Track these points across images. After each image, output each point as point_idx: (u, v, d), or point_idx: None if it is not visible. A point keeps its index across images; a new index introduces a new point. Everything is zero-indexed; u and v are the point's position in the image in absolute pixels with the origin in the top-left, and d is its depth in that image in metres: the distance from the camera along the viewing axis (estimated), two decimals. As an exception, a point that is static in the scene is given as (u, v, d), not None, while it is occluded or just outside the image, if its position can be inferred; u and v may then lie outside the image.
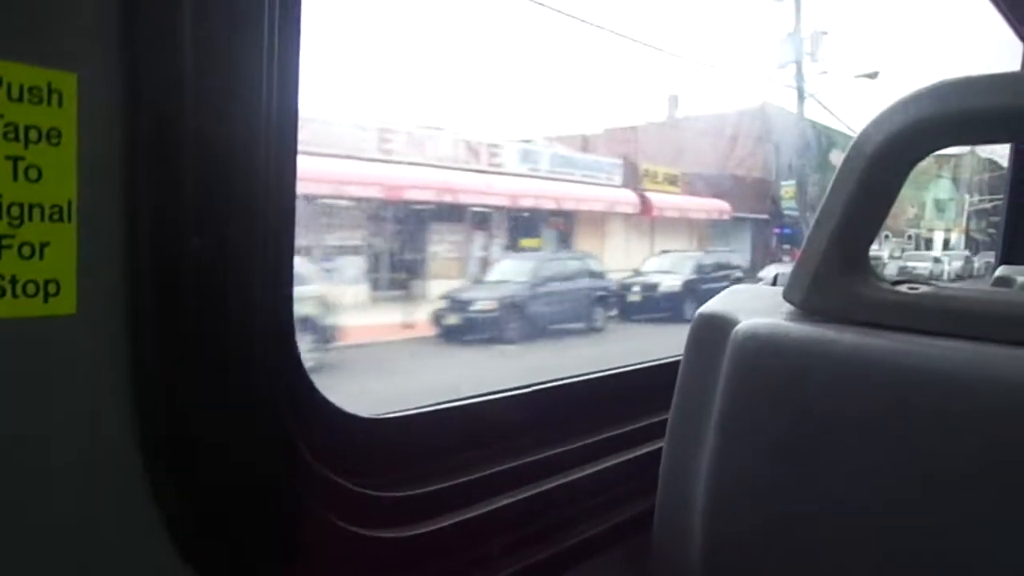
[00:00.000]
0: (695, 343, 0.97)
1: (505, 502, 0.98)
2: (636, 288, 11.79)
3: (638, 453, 1.16)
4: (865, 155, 0.85)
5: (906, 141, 0.83)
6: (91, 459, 0.64)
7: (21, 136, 0.58)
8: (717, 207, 17.50)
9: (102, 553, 0.65)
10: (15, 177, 0.58)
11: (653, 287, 11.79)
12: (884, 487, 0.81)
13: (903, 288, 0.86)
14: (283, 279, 0.76)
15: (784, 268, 0.97)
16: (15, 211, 0.58)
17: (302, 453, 0.79)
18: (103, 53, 0.61)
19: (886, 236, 27.63)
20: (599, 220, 14.56)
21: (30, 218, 0.58)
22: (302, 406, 0.81)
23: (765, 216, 18.95)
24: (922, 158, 0.85)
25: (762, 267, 15.31)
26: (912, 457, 0.79)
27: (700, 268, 12.77)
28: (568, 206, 13.56)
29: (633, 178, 15.57)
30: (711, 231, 17.96)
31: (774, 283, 1.04)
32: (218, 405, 0.70)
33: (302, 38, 0.76)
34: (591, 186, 14.50)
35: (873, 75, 18.15)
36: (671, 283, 11.84)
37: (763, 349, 0.88)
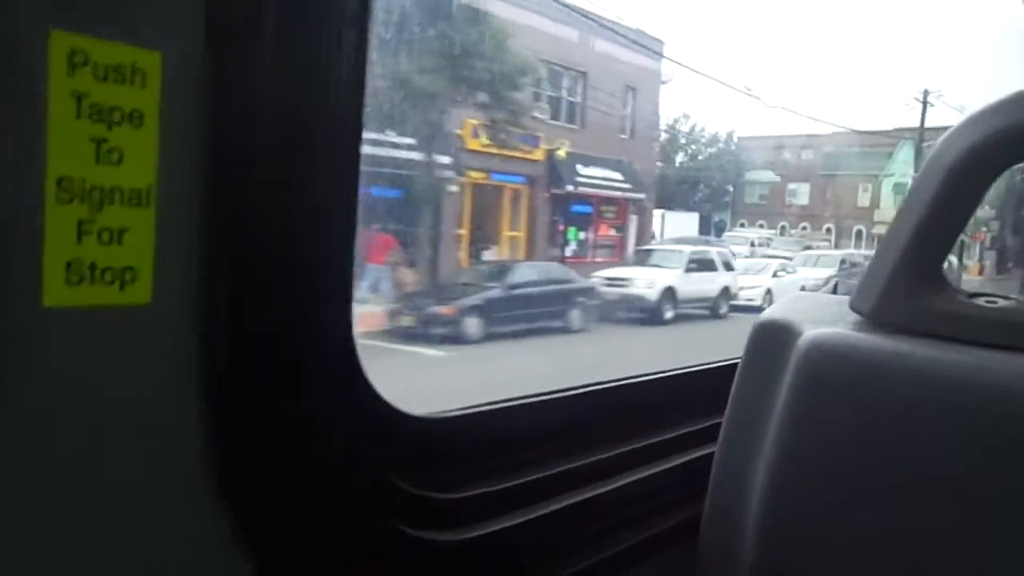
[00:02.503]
0: (755, 350, 0.95)
1: (553, 507, 0.95)
2: None
3: (686, 459, 1.14)
4: (945, 164, 0.83)
5: (991, 151, 0.81)
6: (158, 454, 0.62)
7: (105, 117, 0.55)
8: None
9: (169, 546, 0.63)
10: (98, 160, 0.55)
11: None
12: (959, 512, 0.78)
13: (981, 301, 0.84)
14: (345, 279, 0.74)
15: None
16: (96, 195, 0.55)
17: (362, 453, 0.77)
18: (188, 32, 0.59)
19: (783, 227, 23.28)
20: None
21: (111, 202, 0.56)
22: (361, 405, 0.79)
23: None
24: (1006, 169, 0.83)
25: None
26: (993, 482, 0.77)
27: None
28: None
29: None
30: None
31: (834, 291, 1.03)
32: (285, 405, 0.68)
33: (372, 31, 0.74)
34: None
35: None
36: None
37: (829, 360, 0.86)
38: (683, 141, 23.88)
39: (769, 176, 24.81)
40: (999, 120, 0.81)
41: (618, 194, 13.68)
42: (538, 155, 11.52)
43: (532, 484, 0.95)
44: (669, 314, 10.52)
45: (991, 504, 0.77)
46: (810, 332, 0.88)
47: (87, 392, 0.57)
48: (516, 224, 11.57)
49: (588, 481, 1.01)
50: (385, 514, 0.78)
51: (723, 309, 11.65)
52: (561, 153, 11.82)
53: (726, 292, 11.85)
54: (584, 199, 13.00)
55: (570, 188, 12.46)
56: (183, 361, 0.62)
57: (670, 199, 20.22)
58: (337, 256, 0.72)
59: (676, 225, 17.77)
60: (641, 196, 14.22)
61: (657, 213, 16.60)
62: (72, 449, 0.57)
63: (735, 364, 0.98)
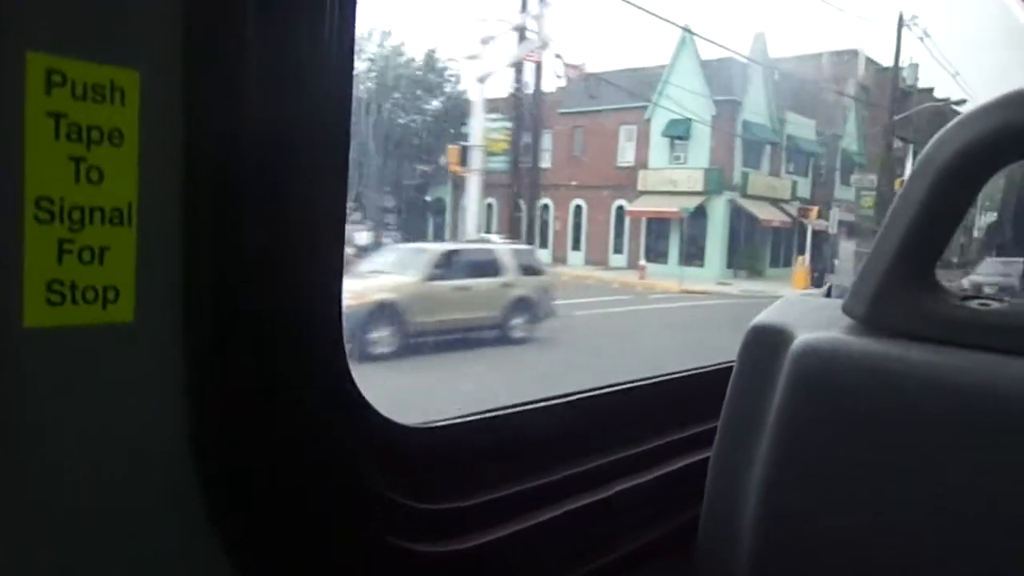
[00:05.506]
0: (748, 355, 0.94)
1: (547, 516, 0.95)
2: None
3: (681, 464, 1.13)
4: (937, 166, 0.82)
5: (983, 152, 0.80)
6: (145, 472, 0.62)
7: (84, 136, 0.55)
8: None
9: (155, 563, 0.63)
10: (77, 179, 0.55)
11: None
12: (954, 516, 0.78)
13: (975, 304, 0.83)
14: (335, 293, 0.74)
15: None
16: (76, 215, 0.55)
17: (352, 466, 0.77)
18: (165, 51, 0.59)
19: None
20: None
21: (91, 222, 0.56)
22: (351, 416, 0.79)
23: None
24: (998, 170, 0.82)
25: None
26: (988, 485, 0.76)
27: None
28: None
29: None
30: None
31: (828, 295, 1.02)
32: (271, 420, 0.68)
33: (356, 43, 0.74)
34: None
35: None
36: None
37: (823, 364, 0.85)
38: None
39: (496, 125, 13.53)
40: (992, 120, 0.80)
41: None
42: None
43: (525, 493, 0.95)
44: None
45: (986, 507, 0.77)
46: (803, 336, 0.88)
47: (70, 412, 0.57)
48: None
49: (583, 488, 1.01)
50: (374, 526, 0.78)
51: None
52: None
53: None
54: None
55: None
56: (168, 379, 0.62)
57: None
58: (325, 270, 0.72)
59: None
60: None
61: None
62: (55, 471, 0.57)
63: (729, 368, 0.98)
